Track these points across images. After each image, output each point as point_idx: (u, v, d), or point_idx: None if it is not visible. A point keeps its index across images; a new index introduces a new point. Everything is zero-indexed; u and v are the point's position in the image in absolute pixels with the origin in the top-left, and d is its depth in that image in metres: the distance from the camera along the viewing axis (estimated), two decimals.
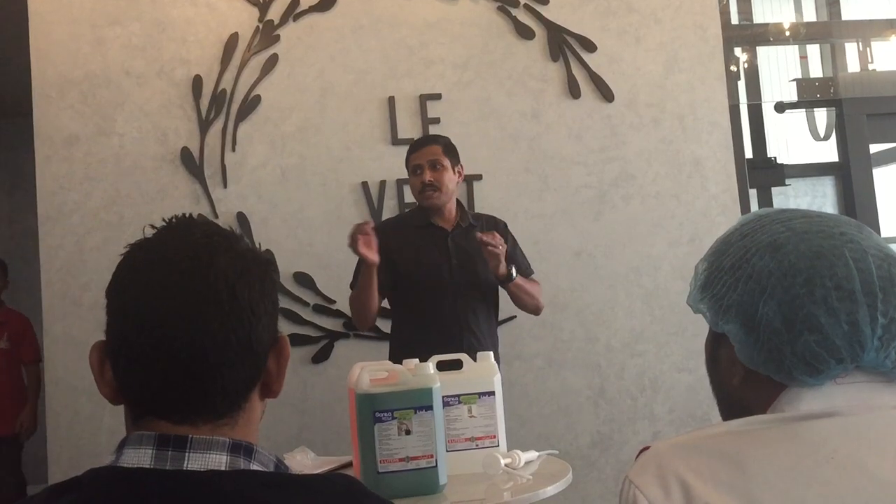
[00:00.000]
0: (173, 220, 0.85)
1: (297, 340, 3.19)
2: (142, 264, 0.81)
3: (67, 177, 3.19)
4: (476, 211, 3.33)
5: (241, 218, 3.24)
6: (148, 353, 0.77)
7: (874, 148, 4.54)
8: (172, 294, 0.77)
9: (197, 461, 0.75)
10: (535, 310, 2.77)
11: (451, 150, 2.70)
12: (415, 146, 2.71)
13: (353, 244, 2.47)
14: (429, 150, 2.66)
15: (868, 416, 0.82)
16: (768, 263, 0.85)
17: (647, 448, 0.85)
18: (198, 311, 0.77)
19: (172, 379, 0.77)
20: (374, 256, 2.48)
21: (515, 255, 2.74)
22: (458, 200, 2.78)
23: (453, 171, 2.67)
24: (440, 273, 2.63)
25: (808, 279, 0.82)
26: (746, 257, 0.87)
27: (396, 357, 2.52)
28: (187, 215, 0.86)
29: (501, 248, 2.52)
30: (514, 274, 2.61)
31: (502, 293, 2.76)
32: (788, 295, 0.83)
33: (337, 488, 0.79)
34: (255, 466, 0.77)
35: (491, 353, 2.11)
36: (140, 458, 0.75)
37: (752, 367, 0.86)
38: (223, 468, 0.76)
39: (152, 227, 0.84)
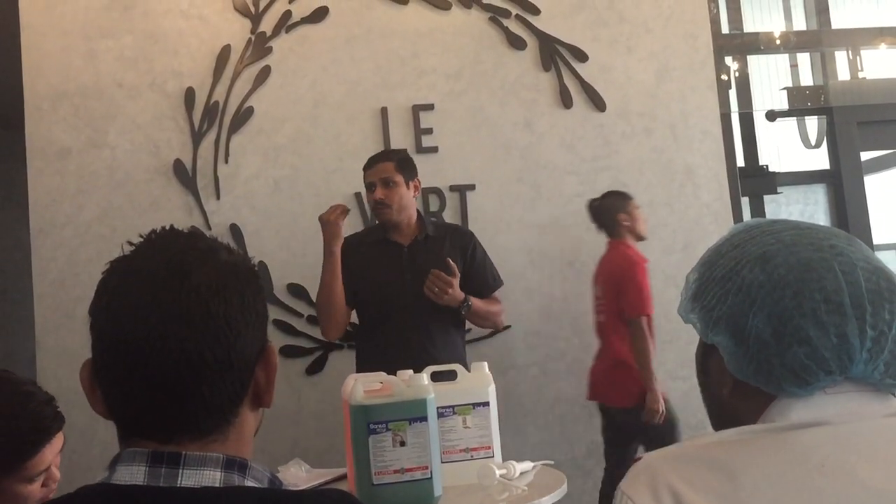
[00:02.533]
0: (152, 234, 0.84)
1: (291, 352, 3.19)
2: (117, 285, 0.80)
3: (60, 190, 3.19)
4: (471, 221, 3.34)
5: (235, 229, 3.24)
6: (125, 376, 0.77)
7: (865, 155, 4.57)
8: (145, 316, 0.76)
9: (191, 478, 0.75)
10: (493, 328, 2.77)
11: (405, 166, 2.69)
12: (369, 162, 2.72)
13: (327, 215, 2.56)
14: (381, 168, 2.66)
15: (858, 425, 0.82)
16: (758, 275, 0.85)
17: (639, 459, 0.86)
18: (171, 332, 0.76)
19: (151, 401, 0.76)
20: (339, 232, 2.57)
21: (482, 269, 2.72)
22: (419, 212, 2.77)
23: (408, 185, 2.67)
24: (393, 290, 2.62)
25: (798, 292, 0.83)
26: (737, 269, 0.88)
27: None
28: (167, 228, 0.85)
29: (449, 288, 2.53)
30: (469, 304, 2.60)
31: None
32: (778, 307, 0.83)
33: (331, 503, 0.79)
34: (249, 483, 0.77)
35: (485, 364, 2.10)
36: (133, 475, 0.75)
37: (741, 379, 0.87)
38: (217, 485, 0.75)
39: (131, 243, 0.83)
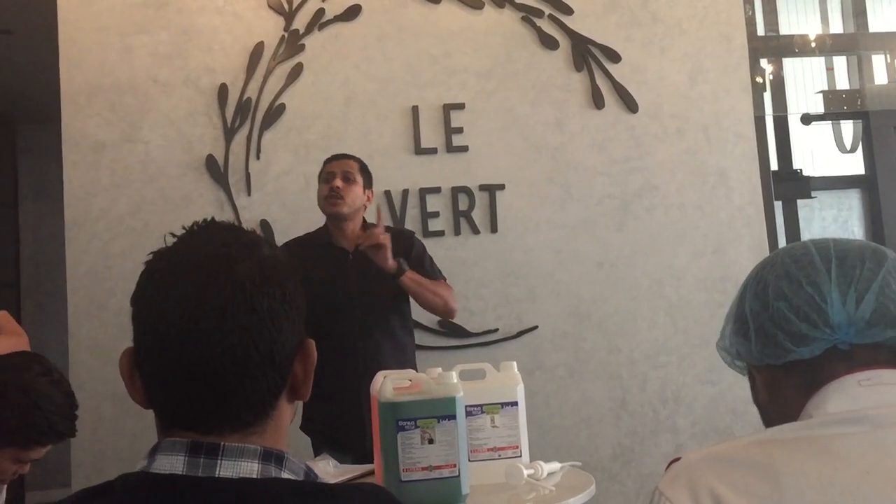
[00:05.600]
0: (194, 226, 0.84)
1: None
2: (161, 276, 0.80)
3: (94, 183, 3.22)
4: (500, 221, 3.34)
5: (265, 225, 3.26)
6: (168, 368, 0.77)
7: None
8: (190, 309, 0.76)
9: (229, 469, 0.75)
10: (444, 310, 2.68)
11: (366, 172, 2.73)
12: (332, 157, 2.74)
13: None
14: (345, 163, 2.69)
15: None
16: (750, 274, 0.98)
17: (677, 459, 0.85)
18: (216, 326, 0.76)
19: (194, 393, 0.77)
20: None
21: (420, 262, 2.69)
22: (364, 220, 2.77)
23: (364, 190, 2.69)
24: (338, 295, 2.59)
25: (772, 262, 0.95)
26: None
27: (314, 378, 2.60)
28: (208, 220, 0.85)
29: (383, 238, 2.50)
30: (405, 267, 2.56)
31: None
32: (760, 283, 0.94)
33: (366, 497, 0.79)
34: (285, 475, 0.77)
35: (514, 363, 2.09)
36: (172, 464, 0.75)
37: (758, 364, 0.93)
38: (255, 476, 0.76)
39: (173, 235, 0.83)
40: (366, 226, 2.73)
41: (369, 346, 2.60)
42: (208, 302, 0.77)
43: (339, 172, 2.66)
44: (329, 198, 2.65)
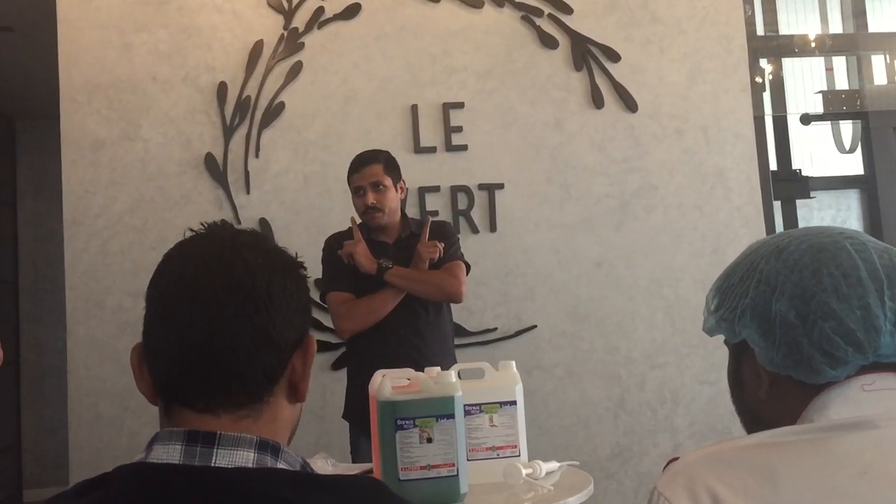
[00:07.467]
0: (215, 223, 0.89)
1: (318, 346, 3.18)
2: (173, 260, 0.85)
3: (93, 181, 3.22)
4: (499, 220, 3.34)
5: (264, 224, 3.26)
6: (171, 341, 0.80)
7: None
8: (193, 284, 0.81)
9: (225, 458, 0.76)
10: (440, 295, 2.65)
11: (392, 167, 2.68)
12: (356, 165, 2.68)
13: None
14: (370, 171, 2.64)
15: None
16: (774, 265, 0.88)
17: (675, 459, 0.85)
18: (215, 297, 0.80)
19: (192, 365, 0.79)
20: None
21: (448, 242, 2.71)
22: (403, 212, 2.77)
23: (395, 188, 2.67)
24: (380, 286, 2.61)
25: (815, 271, 0.86)
26: (753, 266, 0.91)
27: (354, 369, 2.70)
28: (221, 221, 0.91)
29: (347, 245, 2.61)
30: (385, 266, 2.58)
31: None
32: (798, 289, 0.85)
33: (363, 490, 0.79)
34: (281, 465, 0.78)
35: (513, 363, 2.09)
36: (169, 454, 0.76)
37: (773, 370, 0.87)
38: (250, 465, 0.76)
39: (191, 230, 0.88)
40: (406, 220, 2.75)
41: (410, 334, 2.63)
42: (212, 278, 0.81)
43: (368, 185, 2.63)
44: (367, 213, 2.66)
